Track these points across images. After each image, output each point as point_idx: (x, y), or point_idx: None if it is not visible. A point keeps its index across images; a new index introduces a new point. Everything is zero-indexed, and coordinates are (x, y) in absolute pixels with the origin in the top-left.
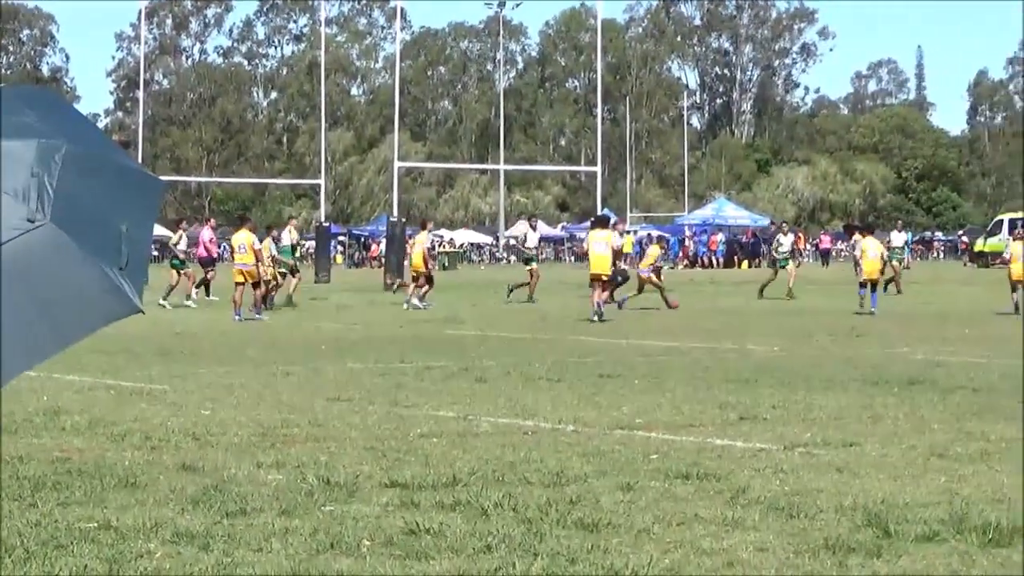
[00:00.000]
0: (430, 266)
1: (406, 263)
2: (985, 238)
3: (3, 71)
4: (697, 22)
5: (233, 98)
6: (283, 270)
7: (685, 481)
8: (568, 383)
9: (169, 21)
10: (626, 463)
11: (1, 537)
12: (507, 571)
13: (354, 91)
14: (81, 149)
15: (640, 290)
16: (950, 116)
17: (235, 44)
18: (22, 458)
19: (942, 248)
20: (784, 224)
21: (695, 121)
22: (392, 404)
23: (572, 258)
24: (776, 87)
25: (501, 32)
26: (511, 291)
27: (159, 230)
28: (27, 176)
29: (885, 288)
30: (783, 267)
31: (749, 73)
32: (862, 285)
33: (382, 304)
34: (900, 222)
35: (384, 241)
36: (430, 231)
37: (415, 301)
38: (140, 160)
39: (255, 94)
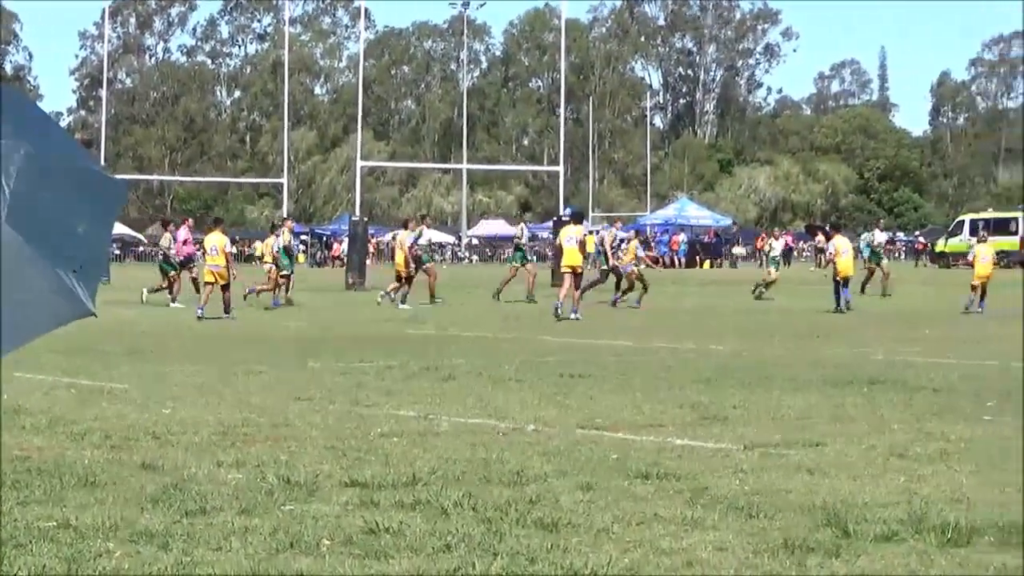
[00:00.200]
0: (411, 267)
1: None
2: (946, 239)
3: None
4: (661, 22)
5: (196, 97)
6: (285, 272)
7: (645, 481)
8: (530, 383)
9: (133, 20)
10: (587, 462)
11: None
12: (466, 570)
13: (317, 90)
14: (42, 150)
15: (631, 288)
16: (912, 117)
17: (199, 43)
18: None
19: (903, 248)
20: (775, 229)
21: (658, 121)
22: (353, 403)
23: (534, 258)
24: (739, 87)
25: (465, 31)
26: (496, 294)
27: (122, 229)
28: None
29: (863, 289)
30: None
31: (712, 73)
32: (838, 284)
33: (344, 303)
34: (881, 221)
35: (346, 240)
36: (412, 230)
37: (399, 302)
38: (103, 159)
39: (218, 93)
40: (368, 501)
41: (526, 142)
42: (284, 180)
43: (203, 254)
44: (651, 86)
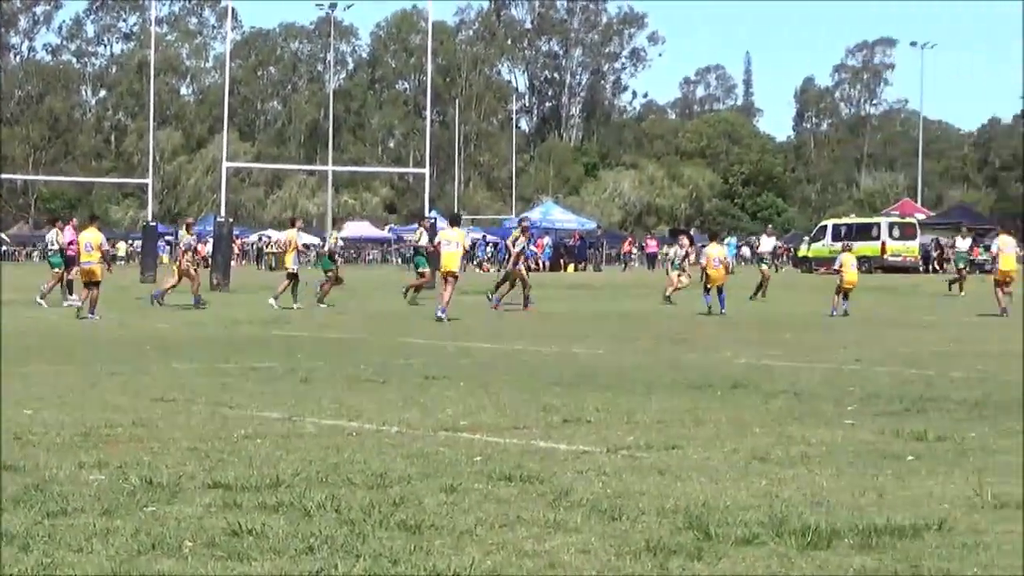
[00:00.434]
0: (296, 265)
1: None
2: (809, 243)
3: None
4: (528, 25)
5: (61, 96)
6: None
7: (508, 483)
8: (394, 384)
9: None
10: (450, 465)
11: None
12: (329, 572)
13: (183, 90)
14: None
15: (512, 285)
16: (777, 122)
17: (64, 42)
18: None
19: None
20: (770, 228)
21: (524, 124)
22: (216, 405)
23: (399, 260)
24: (605, 91)
25: (332, 33)
26: (407, 292)
27: None
28: None
29: (754, 295)
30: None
31: (578, 77)
32: (707, 291)
33: (209, 304)
34: (769, 226)
35: (211, 241)
36: (299, 228)
37: (271, 300)
38: None
39: (84, 92)
40: (231, 503)
41: (392, 144)
42: (149, 180)
43: (78, 253)
44: (517, 89)
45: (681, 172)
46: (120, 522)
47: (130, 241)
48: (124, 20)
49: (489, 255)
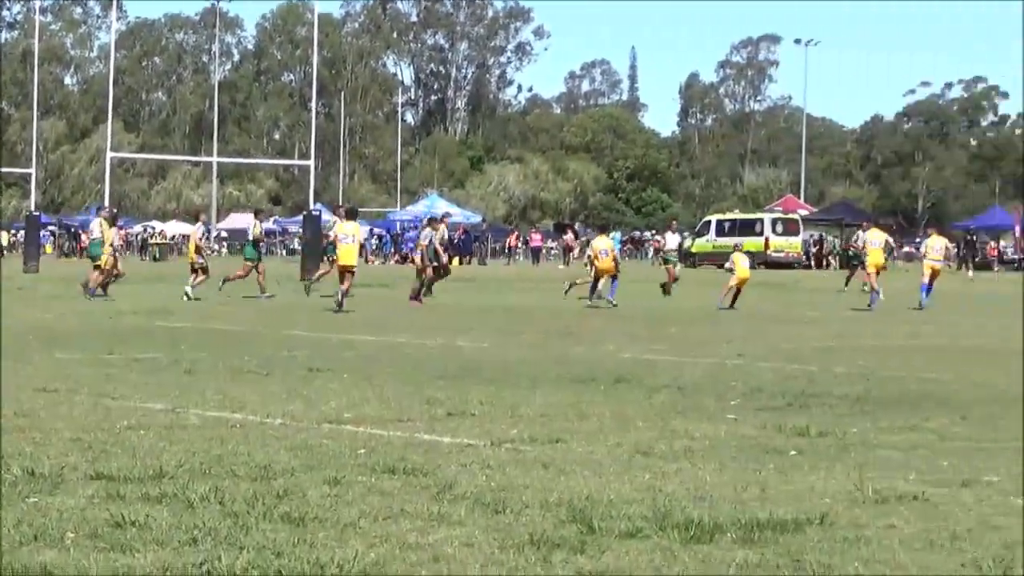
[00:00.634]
0: (204, 256)
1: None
2: (693, 239)
3: None
4: (413, 19)
5: None
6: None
7: (392, 476)
8: (278, 377)
9: None
10: (333, 457)
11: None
12: (212, 564)
13: (68, 80)
14: None
15: (436, 276)
16: (661, 117)
17: None
18: None
19: (651, 247)
20: (674, 223)
21: (409, 117)
22: (99, 395)
23: (284, 252)
24: (490, 85)
25: (217, 24)
26: (308, 285)
27: None
28: None
29: (665, 291)
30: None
31: (464, 71)
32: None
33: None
34: (675, 222)
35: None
36: (204, 223)
37: (188, 289)
38: None
39: None
40: (114, 494)
41: (277, 136)
42: (32, 170)
43: None
44: (403, 82)
45: (566, 166)
46: (2, 513)
47: (13, 231)
48: (8, 9)
49: (374, 247)
